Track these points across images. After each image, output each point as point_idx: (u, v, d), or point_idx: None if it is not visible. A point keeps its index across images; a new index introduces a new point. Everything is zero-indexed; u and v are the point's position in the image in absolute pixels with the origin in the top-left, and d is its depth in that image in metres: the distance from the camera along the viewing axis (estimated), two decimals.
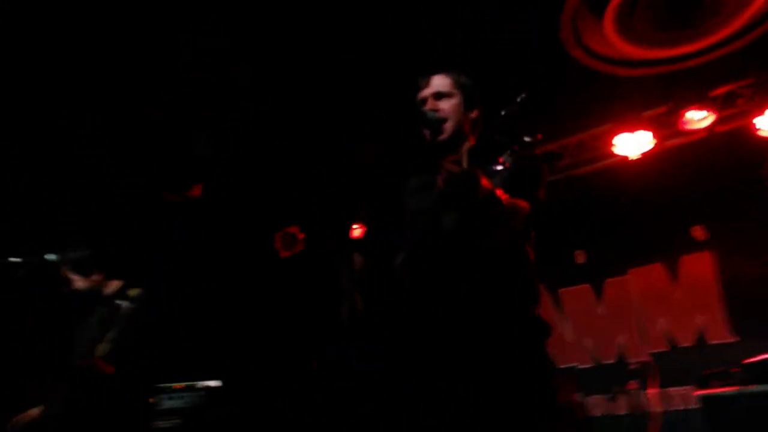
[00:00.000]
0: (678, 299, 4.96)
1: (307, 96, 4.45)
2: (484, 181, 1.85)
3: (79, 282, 3.14)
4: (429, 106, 2.16)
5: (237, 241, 5.93)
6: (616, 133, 4.75)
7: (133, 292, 3.07)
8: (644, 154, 4.76)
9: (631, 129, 4.70)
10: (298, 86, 4.36)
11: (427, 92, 2.17)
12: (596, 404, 5.07)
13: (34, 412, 3.04)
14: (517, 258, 2.03)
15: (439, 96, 2.16)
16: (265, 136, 4.89)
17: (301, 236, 6.17)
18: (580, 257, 5.48)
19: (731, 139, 4.57)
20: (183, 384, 4.32)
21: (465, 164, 1.86)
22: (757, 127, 4.35)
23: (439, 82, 2.18)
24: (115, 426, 2.99)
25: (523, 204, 2.00)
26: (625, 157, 4.78)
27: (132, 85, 4.27)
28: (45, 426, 3.00)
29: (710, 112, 4.47)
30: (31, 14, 3.66)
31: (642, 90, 4.39)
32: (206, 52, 4.05)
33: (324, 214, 5.64)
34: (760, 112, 4.33)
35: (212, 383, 4.35)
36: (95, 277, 3.18)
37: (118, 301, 3.20)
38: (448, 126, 2.14)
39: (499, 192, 1.89)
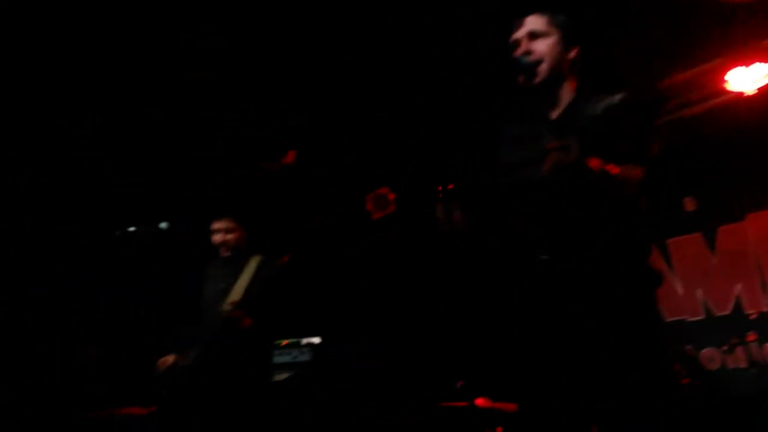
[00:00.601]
0: None
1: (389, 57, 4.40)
2: (595, 163, 1.76)
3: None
4: (523, 47, 2.08)
5: (330, 206, 6.06)
6: (729, 68, 4.36)
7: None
8: (761, 89, 4.35)
9: (746, 62, 4.29)
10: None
11: (520, 33, 2.10)
12: (711, 358, 4.81)
13: (171, 359, 3.31)
14: (625, 216, 1.93)
15: (533, 36, 2.08)
16: (350, 104, 4.90)
17: (392, 197, 6.21)
18: (690, 204, 5.14)
19: None
20: (288, 340, 4.55)
21: (574, 152, 1.74)
22: None
23: (534, 22, 2.09)
24: (240, 377, 3.21)
25: (635, 172, 1.88)
26: (740, 94, 4.38)
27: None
28: (183, 372, 3.27)
29: None
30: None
31: (758, 15, 3.97)
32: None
33: (415, 171, 5.63)
34: None
35: (315, 340, 4.55)
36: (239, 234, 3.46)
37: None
38: (543, 68, 2.06)
39: (610, 167, 1.78)
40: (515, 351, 1.98)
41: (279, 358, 4.45)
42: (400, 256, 5.76)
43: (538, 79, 2.05)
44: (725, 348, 4.42)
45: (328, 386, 4.58)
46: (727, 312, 4.88)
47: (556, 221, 1.90)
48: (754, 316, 4.13)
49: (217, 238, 3.52)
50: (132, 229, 3.35)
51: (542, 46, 2.05)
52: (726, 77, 4.40)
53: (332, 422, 4.44)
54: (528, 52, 2.04)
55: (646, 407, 1.79)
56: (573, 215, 1.88)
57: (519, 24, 2.11)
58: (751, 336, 4.02)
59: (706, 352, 4.83)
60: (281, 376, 4.36)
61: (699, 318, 5.04)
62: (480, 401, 3.98)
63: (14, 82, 4.20)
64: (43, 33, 3.86)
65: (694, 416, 3.78)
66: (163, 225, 3.37)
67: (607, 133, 1.78)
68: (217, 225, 3.55)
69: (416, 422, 4.67)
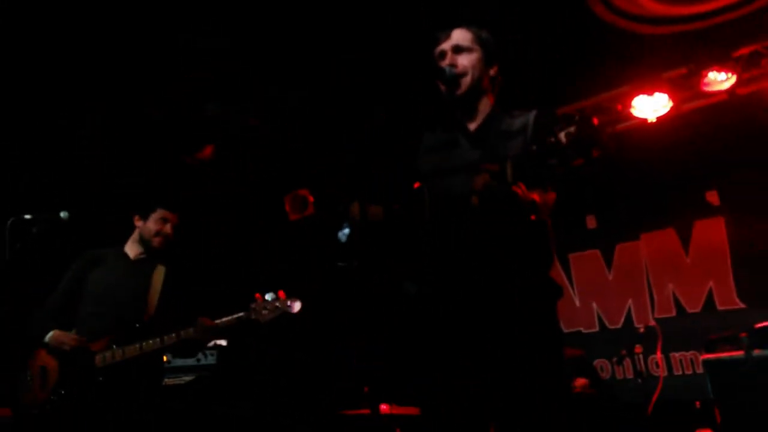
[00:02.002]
0: (688, 265, 4.96)
1: (319, 58, 4.40)
2: (523, 193, 1.81)
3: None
4: (448, 60, 2.12)
5: (247, 203, 5.94)
6: (633, 96, 4.67)
7: None
8: (661, 118, 4.69)
9: (650, 91, 4.61)
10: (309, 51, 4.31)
11: (446, 45, 2.13)
12: (602, 368, 5.13)
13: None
14: (535, 229, 2.02)
15: (458, 50, 2.12)
16: (274, 98, 4.86)
17: (311, 199, 6.17)
18: (591, 222, 5.47)
19: (751, 102, 4.49)
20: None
21: (510, 177, 1.77)
22: None
23: (460, 36, 2.13)
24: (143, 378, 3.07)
25: (551, 196, 1.98)
26: (642, 120, 4.71)
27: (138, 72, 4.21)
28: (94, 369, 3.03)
29: (732, 74, 4.37)
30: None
31: (663, 50, 4.30)
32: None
33: (334, 175, 5.63)
34: None
35: (221, 342, 4.43)
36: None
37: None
38: (466, 80, 2.11)
39: (534, 196, 1.85)
40: (418, 356, 2.01)
41: (183, 361, 4.30)
42: (313, 261, 5.73)
43: (459, 91, 2.10)
44: (615, 359, 4.73)
45: (229, 391, 4.46)
46: (618, 326, 5.23)
47: (471, 234, 1.95)
48: (641, 330, 4.43)
49: (165, 228, 3.25)
50: (28, 216, 3.11)
51: (466, 61, 2.11)
52: (632, 103, 4.71)
53: (231, 429, 4.33)
54: (453, 65, 2.10)
55: (544, 412, 1.87)
56: (488, 230, 1.94)
57: (445, 36, 2.14)
58: (638, 348, 4.31)
59: (598, 362, 5.15)
60: (185, 379, 4.21)
61: (593, 330, 5.36)
62: (383, 407, 4.02)
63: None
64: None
65: (589, 422, 4.01)
66: (63, 214, 3.16)
67: (524, 153, 1.82)
68: (168, 215, 3.29)
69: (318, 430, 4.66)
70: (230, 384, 4.42)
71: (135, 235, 3.34)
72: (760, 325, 3.38)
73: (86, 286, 3.21)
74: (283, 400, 4.95)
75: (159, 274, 3.27)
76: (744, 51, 4.38)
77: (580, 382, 4.23)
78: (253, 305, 3.09)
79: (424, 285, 2.04)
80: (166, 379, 4.19)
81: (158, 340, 3.02)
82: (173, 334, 3.03)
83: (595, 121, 1.69)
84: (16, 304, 3.40)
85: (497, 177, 1.78)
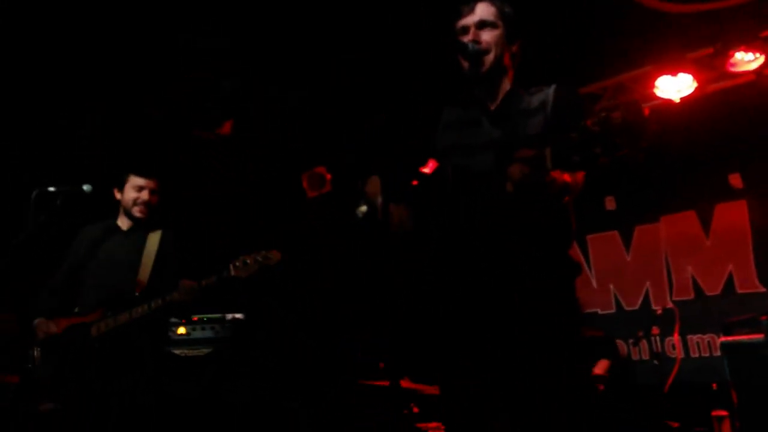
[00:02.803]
0: (708, 248, 4.91)
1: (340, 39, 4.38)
2: (559, 177, 1.79)
3: None
4: (471, 35, 2.09)
5: (265, 180, 5.97)
6: (657, 76, 4.59)
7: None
8: (684, 99, 4.61)
9: (674, 71, 4.53)
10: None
11: (469, 20, 2.10)
12: (619, 347, 5.12)
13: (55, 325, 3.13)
14: (559, 209, 2.00)
15: (482, 25, 2.09)
16: (294, 76, 4.85)
17: (329, 177, 6.18)
18: (611, 203, 5.42)
19: None
20: (211, 316, 4.47)
21: (550, 164, 1.71)
22: None
23: (484, 11, 2.10)
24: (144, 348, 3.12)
25: (581, 175, 1.95)
26: (666, 101, 4.63)
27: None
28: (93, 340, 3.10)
29: (760, 54, 4.27)
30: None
31: (688, 29, 4.21)
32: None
33: (354, 152, 5.63)
34: None
35: (238, 315, 4.49)
36: None
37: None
38: (490, 58, 2.09)
39: (566, 177, 1.83)
40: (437, 334, 2.02)
41: (200, 333, 4.37)
42: (329, 238, 5.77)
43: (483, 69, 2.08)
44: (632, 341, 4.73)
45: (247, 363, 4.52)
46: (635, 307, 5.20)
47: (496, 212, 1.94)
48: (659, 312, 4.42)
49: (142, 195, 3.23)
50: (52, 189, 3.15)
51: (489, 37, 2.07)
52: (656, 83, 4.63)
53: (247, 399, 4.40)
54: (476, 41, 2.07)
55: (561, 390, 1.88)
56: (512, 211, 1.93)
57: (469, 10, 2.11)
58: (655, 330, 4.30)
59: (616, 343, 5.14)
60: (201, 351, 4.29)
61: (610, 311, 5.35)
62: (403, 382, 4.07)
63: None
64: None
65: (608, 400, 4.02)
66: (87, 187, 3.19)
67: (565, 140, 1.73)
68: (142, 182, 3.26)
69: (336, 399, 4.73)
70: (245, 359, 4.49)
71: (121, 208, 3.36)
72: None
73: (84, 262, 3.26)
74: (296, 376, 5.02)
75: (153, 242, 3.28)
76: None
77: (602, 365, 4.23)
78: (232, 263, 3.10)
79: (443, 263, 2.04)
80: (185, 350, 4.28)
81: (146, 306, 3.06)
82: (159, 300, 3.06)
83: (646, 111, 1.61)
84: (40, 276, 3.46)
85: (534, 163, 1.72)
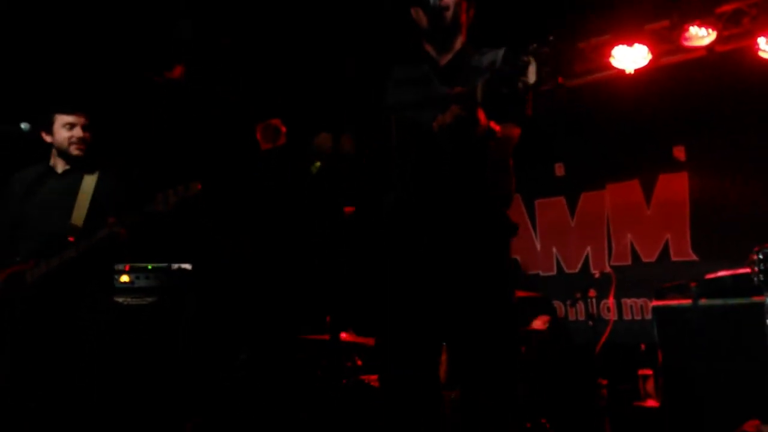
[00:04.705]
0: (648, 216, 5.10)
1: None
2: (483, 118, 1.83)
3: None
4: None
5: (217, 129, 5.83)
6: (614, 45, 4.65)
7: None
8: (638, 70, 4.69)
9: (630, 42, 4.59)
10: None
11: None
12: (557, 309, 5.34)
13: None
14: (497, 166, 2.04)
15: None
16: (251, 23, 4.69)
17: (284, 129, 6.08)
18: (560, 170, 5.55)
19: (728, 60, 4.51)
20: (157, 265, 4.40)
21: (480, 96, 1.79)
22: (760, 48, 4.27)
23: None
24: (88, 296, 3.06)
25: (515, 131, 2.00)
26: (621, 71, 4.71)
27: None
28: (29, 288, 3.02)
29: (713, 30, 4.37)
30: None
31: (646, 1, 4.27)
32: None
33: (308, 106, 5.54)
34: (764, 33, 4.24)
35: (185, 265, 4.44)
36: None
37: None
38: (448, 15, 2.09)
39: (492, 124, 1.87)
40: (374, 287, 2.06)
41: (144, 282, 4.30)
42: (280, 190, 5.71)
43: (441, 25, 2.09)
44: (569, 302, 4.92)
45: (194, 316, 4.49)
46: (575, 270, 5.40)
47: (435, 169, 1.97)
48: (597, 275, 4.60)
49: (75, 132, 3.08)
50: None
51: None
52: (612, 53, 4.69)
53: (191, 352, 4.40)
54: None
55: (495, 344, 1.95)
56: (453, 166, 1.96)
57: None
58: (592, 293, 4.49)
59: (554, 304, 5.35)
60: (145, 300, 4.23)
61: (551, 273, 5.54)
62: (343, 335, 4.13)
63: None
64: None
65: (542, 358, 4.20)
66: (24, 126, 3.04)
67: (490, 87, 1.82)
68: (71, 119, 3.11)
69: (279, 354, 4.78)
70: (191, 309, 4.46)
71: (54, 151, 3.21)
72: (710, 276, 3.51)
73: (20, 208, 3.13)
74: (242, 327, 5.03)
75: (89, 183, 3.16)
76: (727, 8, 4.37)
77: (542, 319, 4.38)
78: (155, 198, 3.03)
79: (387, 216, 2.06)
80: (127, 299, 4.22)
81: (74, 248, 2.97)
82: (86, 241, 2.98)
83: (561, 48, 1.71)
84: None
85: (466, 98, 1.78)
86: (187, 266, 4.47)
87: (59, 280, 2.99)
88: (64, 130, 3.13)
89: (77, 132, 3.14)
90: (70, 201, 3.12)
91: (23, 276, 2.98)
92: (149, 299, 4.30)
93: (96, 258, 3.07)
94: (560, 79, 1.69)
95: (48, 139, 3.18)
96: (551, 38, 1.66)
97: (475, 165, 1.99)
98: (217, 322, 4.75)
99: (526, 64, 1.67)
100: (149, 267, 4.37)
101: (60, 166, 3.22)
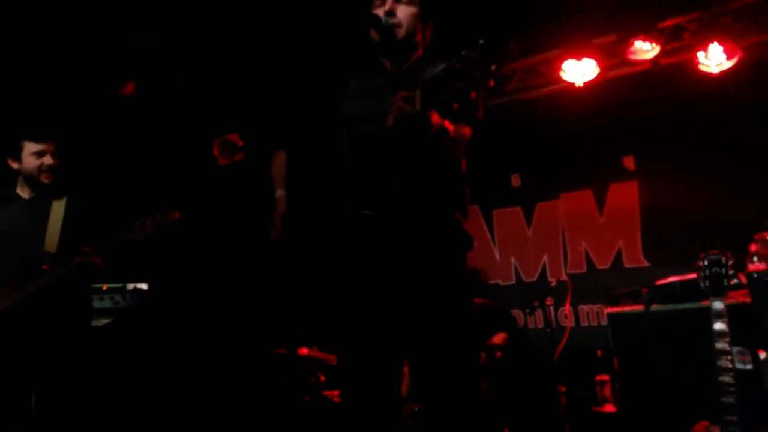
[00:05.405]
0: (601, 225, 5.25)
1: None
2: (436, 118, 1.84)
3: None
4: (388, 5, 2.10)
5: (173, 145, 5.75)
6: (564, 59, 4.80)
7: None
8: (587, 83, 4.85)
9: (578, 56, 4.75)
10: None
11: None
12: (516, 318, 5.42)
13: None
14: (451, 174, 2.08)
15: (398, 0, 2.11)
16: (207, 36, 4.66)
17: (241, 144, 6.04)
18: (516, 181, 5.67)
19: (671, 73, 4.71)
20: (112, 285, 4.30)
21: (419, 104, 1.80)
22: (700, 62, 4.48)
23: None
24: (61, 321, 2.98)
25: (466, 131, 2.03)
26: (571, 84, 4.85)
27: None
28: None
29: (656, 44, 4.56)
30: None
31: (595, 16, 4.42)
32: None
33: (264, 120, 5.52)
34: (703, 48, 4.45)
35: (141, 285, 4.35)
36: None
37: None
38: (400, 32, 2.11)
39: (446, 123, 1.89)
40: (334, 302, 2.06)
41: (99, 303, 4.20)
42: (240, 208, 5.66)
43: (393, 42, 2.11)
44: (528, 311, 5.01)
45: (152, 333, 4.40)
46: (533, 279, 5.51)
47: (390, 176, 1.98)
48: (553, 284, 4.70)
49: (45, 160, 3.04)
50: None
51: (404, 13, 2.09)
52: (562, 67, 4.83)
53: (153, 369, 4.30)
54: (392, 12, 2.08)
55: (454, 356, 1.97)
56: (409, 171, 1.98)
57: None
58: (549, 301, 4.58)
59: (513, 312, 5.43)
60: (100, 322, 4.13)
61: (510, 283, 5.64)
62: (303, 350, 4.11)
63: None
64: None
65: (502, 368, 4.26)
66: None
67: (442, 90, 1.82)
68: (39, 147, 3.07)
69: (246, 367, 4.71)
70: (149, 329, 4.37)
71: (21, 177, 3.16)
72: (660, 282, 3.63)
73: None
74: (206, 343, 4.94)
75: (58, 209, 3.12)
76: (669, 23, 4.56)
77: (500, 336, 4.44)
78: (131, 226, 3.02)
79: (341, 230, 2.07)
80: None
81: (49, 275, 2.92)
82: (60, 268, 2.94)
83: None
84: None
85: (408, 105, 1.81)
86: (143, 286, 4.38)
87: (34, 306, 2.91)
88: (33, 158, 3.08)
89: (47, 160, 3.10)
90: (41, 227, 3.05)
91: None
92: (104, 320, 4.20)
93: (71, 283, 3.02)
94: (491, 82, 1.70)
95: (15, 166, 3.13)
96: (481, 42, 1.68)
97: (430, 164, 2.00)
98: (184, 336, 4.66)
99: (459, 70, 1.70)
100: (102, 288, 4.27)
101: (26, 192, 3.16)
